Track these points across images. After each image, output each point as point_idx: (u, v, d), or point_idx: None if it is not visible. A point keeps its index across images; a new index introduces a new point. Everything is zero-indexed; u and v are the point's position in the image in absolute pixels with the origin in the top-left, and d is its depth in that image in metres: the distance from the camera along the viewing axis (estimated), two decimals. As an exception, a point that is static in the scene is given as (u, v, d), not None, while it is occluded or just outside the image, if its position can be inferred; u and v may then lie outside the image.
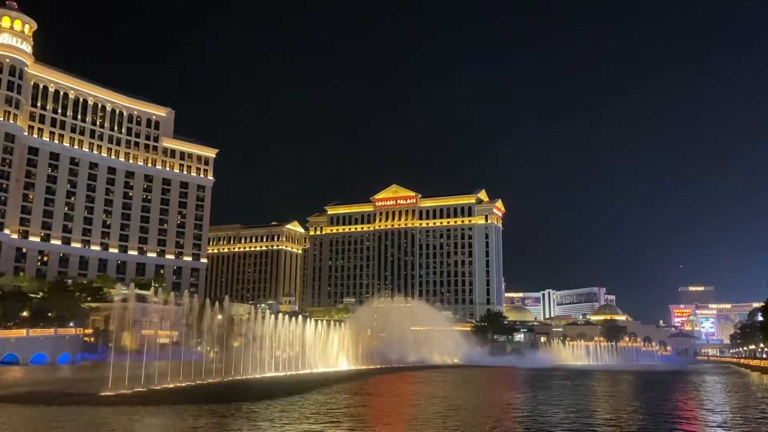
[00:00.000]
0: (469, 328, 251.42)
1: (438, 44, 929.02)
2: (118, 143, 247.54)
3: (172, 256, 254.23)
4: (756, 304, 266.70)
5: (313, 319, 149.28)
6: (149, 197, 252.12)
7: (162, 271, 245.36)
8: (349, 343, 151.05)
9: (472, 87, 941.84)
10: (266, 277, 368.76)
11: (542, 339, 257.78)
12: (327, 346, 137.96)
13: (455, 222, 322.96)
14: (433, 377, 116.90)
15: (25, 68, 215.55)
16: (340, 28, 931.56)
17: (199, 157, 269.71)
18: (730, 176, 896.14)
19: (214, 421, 47.87)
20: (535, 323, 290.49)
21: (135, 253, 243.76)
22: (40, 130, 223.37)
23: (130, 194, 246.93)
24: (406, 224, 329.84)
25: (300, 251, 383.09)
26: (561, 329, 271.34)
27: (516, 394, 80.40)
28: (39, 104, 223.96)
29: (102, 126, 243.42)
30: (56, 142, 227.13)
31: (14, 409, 52.37)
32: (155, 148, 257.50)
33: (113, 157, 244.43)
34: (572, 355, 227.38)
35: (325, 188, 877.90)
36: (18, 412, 51.20)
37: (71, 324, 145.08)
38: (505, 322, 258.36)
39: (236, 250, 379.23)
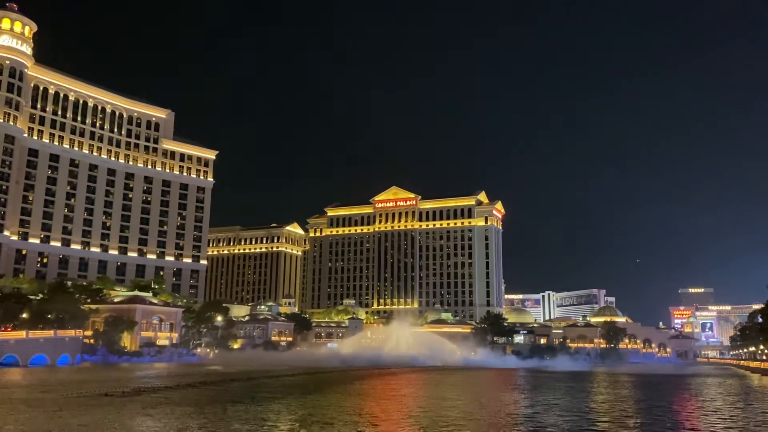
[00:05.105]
0: (468, 330, 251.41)
1: (438, 45, 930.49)
2: (118, 145, 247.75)
3: (171, 258, 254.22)
4: (756, 306, 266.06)
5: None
6: (149, 199, 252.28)
7: (162, 273, 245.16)
8: None
9: (472, 87, 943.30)
10: (266, 279, 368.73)
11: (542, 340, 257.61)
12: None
13: (455, 224, 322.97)
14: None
15: (25, 70, 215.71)
16: (340, 29, 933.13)
17: (198, 159, 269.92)
18: (730, 177, 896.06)
19: (213, 421, 47.79)
20: (535, 325, 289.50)
21: (135, 254, 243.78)
22: (40, 131, 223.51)
23: (130, 196, 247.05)
24: (405, 226, 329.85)
25: (300, 253, 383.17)
26: (561, 331, 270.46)
27: None
28: (39, 106, 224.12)
29: (102, 128, 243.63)
30: (56, 143, 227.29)
31: (15, 411, 52.29)
32: (155, 150, 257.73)
33: (113, 158, 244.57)
34: None
35: (324, 190, 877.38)
36: (19, 413, 51.10)
37: (69, 326, 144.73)
38: (505, 324, 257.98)
39: (236, 251, 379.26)
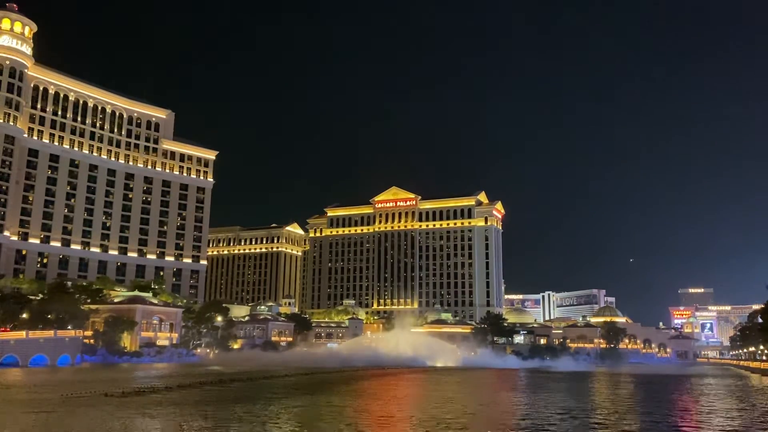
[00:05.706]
0: (468, 330, 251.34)
1: (437, 45, 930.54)
2: (118, 145, 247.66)
3: (171, 258, 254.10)
4: (756, 306, 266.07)
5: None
6: (149, 199, 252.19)
7: (162, 273, 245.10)
8: None
9: (471, 88, 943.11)
10: (266, 279, 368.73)
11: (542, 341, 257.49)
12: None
13: (455, 224, 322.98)
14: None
15: (25, 70, 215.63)
16: (340, 31, 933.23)
17: (198, 159, 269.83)
18: (730, 177, 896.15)
19: (213, 422, 47.74)
20: (534, 325, 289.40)
21: (135, 255, 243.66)
22: (40, 132, 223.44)
23: (130, 196, 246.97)
24: (405, 226, 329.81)
25: (300, 253, 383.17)
26: (561, 331, 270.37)
27: None
28: (39, 106, 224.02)
29: (102, 128, 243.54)
30: (56, 144, 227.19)
31: (15, 411, 52.24)
32: (155, 150, 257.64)
33: (113, 159, 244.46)
34: None
35: (324, 190, 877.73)
36: (19, 413, 51.05)
37: (69, 327, 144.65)
38: (505, 324, 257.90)
39: (236, 252, 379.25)
